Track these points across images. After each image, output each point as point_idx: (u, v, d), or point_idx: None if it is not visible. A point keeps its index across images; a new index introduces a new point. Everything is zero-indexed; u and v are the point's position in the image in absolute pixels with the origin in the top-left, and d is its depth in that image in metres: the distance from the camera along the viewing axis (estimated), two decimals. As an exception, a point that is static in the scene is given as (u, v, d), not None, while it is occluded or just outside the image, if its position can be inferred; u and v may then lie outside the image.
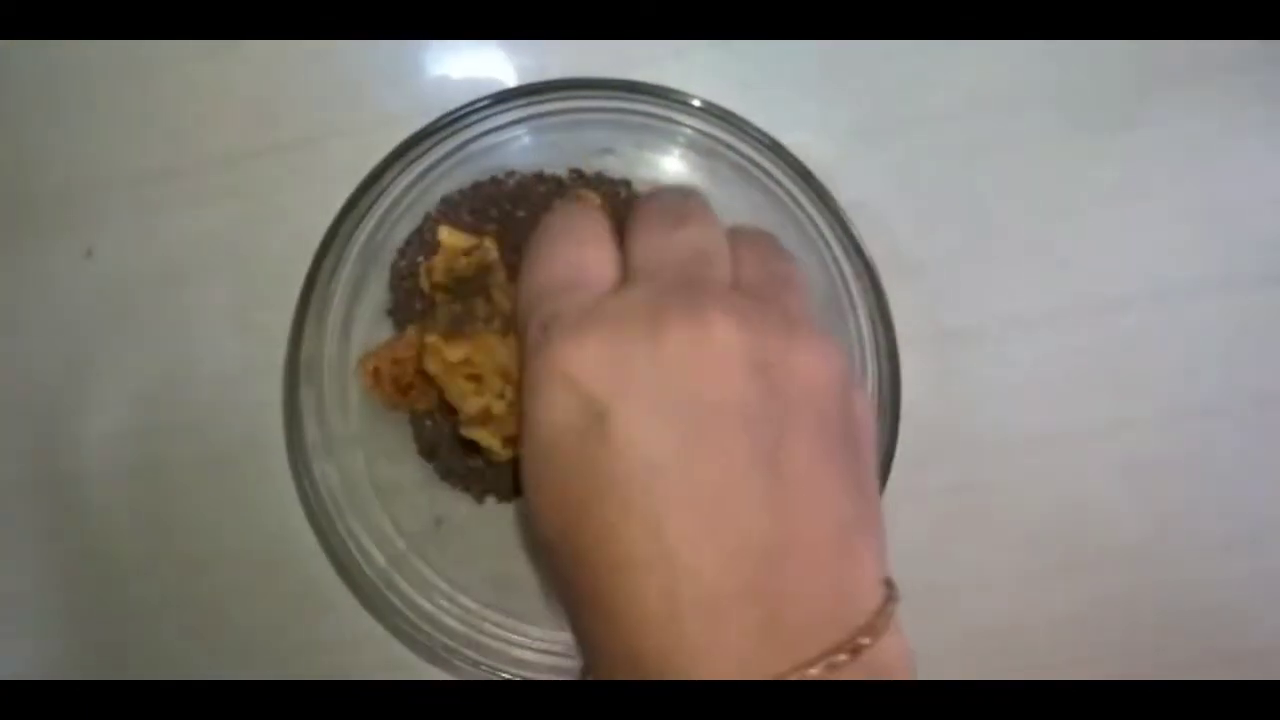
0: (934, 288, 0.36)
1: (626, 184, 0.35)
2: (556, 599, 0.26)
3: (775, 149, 0.33)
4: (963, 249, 0.36)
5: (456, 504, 0.35)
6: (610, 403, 0.23)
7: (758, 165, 0.33)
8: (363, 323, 0.34)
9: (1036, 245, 0.36)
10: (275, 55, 0.36)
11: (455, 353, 0.30)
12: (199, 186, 0.36)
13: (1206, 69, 0.35)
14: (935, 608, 0.35)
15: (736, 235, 0.29)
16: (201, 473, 0.36)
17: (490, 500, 0.35)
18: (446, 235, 0.32)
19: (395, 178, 0.33)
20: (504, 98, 0.32)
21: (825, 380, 0.24)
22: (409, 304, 0.34)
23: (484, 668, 0.32)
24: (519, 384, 0.27)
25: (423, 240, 0.34)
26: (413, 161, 0.33)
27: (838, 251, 0.33)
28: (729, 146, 0.33)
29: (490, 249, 0.32)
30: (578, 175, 0.34)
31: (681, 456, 0.22)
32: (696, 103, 0.33)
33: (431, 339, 0.30)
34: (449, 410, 0.34)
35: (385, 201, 0.33)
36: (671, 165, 0.35)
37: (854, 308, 0.33)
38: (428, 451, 0.35)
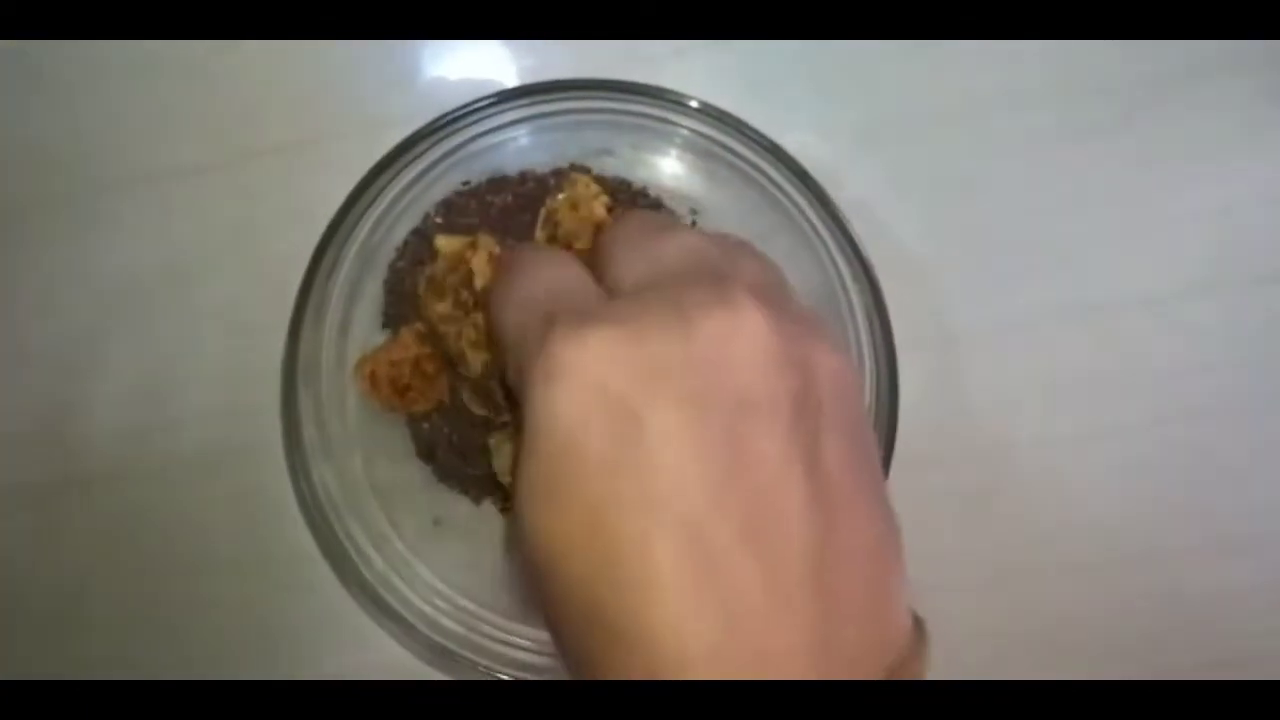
0: (932, 289, 0.36)
1: (626, 185, 0.35)
2: (541, 618, 0.24)
3: (773, 150, 0.32)
4: (961, 250, 0.36)
5: (455, 505, 0.35)
6: (640, 396, 0.21)
7: (755, 166, 0.33)
8: (361, 324, 0.34)
9: (1035, 246, 0.36)
10: (273, 56, 0.36)
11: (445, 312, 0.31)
12: (197, 187, 0.36)
13: (1206, 69, 0.35)
14: (935, 608, 0.35)
15: (722, 240, 0.27)
16: (199, 474, 0.36)
17: (488, 502, 0.35)
18: (444, 243, 0.32)
19: (393, 179, 0.33)
20: (502, 99, 0.32)
21: (851, 381, 0.23)
22: (405, 306, 0.34)
23: (482, 668, 0.32)
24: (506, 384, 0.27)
25: (421, 241, 0.34)
26: (410, 163, 0.33)
27: (835, 253, 0.33)
28: (726, 148, 0.33)
29: (488, 243, 0.32)
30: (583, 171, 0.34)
31: (722, 458, 0.21)
32: (694, 104, 0.33)
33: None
34: (448, 411, 0.34)
35: (383, 203, 0.33)
36: (669, 166, 0.35)
37: (852, 309, 0.33)
38: (426, 453, 0.35)
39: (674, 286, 0.23)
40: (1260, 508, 0.36)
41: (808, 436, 0.21)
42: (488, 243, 0.32)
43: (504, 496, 0.34)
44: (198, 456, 0.36)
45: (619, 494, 0.21)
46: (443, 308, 0.31)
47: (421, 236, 0.34)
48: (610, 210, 0.33)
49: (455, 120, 0.32)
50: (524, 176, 0.35)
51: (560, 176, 0.34)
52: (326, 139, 0.36)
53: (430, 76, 0.36)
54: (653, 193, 0.35)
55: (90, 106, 0.36)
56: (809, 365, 0.22)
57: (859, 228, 0.32)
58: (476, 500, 0.35)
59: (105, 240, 0.36)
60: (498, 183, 0.34)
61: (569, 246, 0.32)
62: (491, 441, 0.32)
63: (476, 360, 0.31)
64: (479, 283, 0.31)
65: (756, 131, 0.32)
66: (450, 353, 0.32)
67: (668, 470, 0.21)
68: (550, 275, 0.25)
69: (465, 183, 0.35)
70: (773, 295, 0.24)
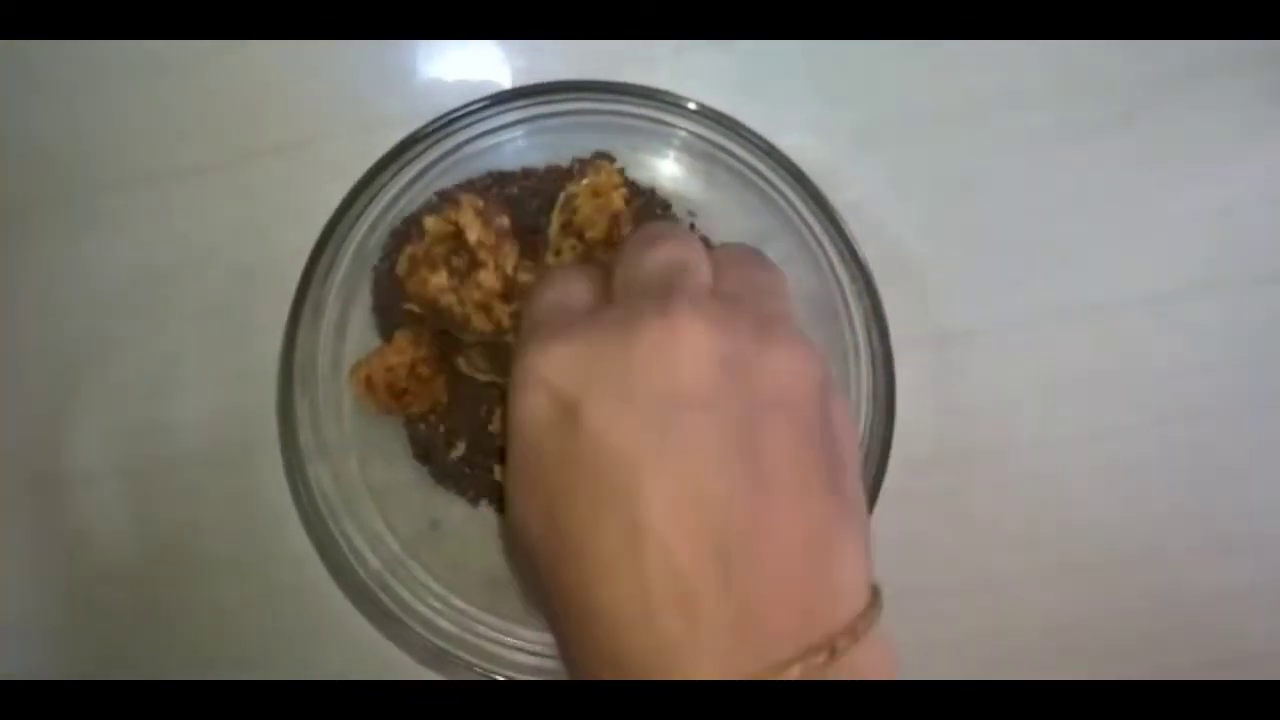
0: (930, 290, 0.35)
1: (633, 185, 0.35)
2: (538, 610, 0.26)
3: (770, 152, 0.32)
4: (959, 251, 0.36)
5: (451, 507, 0.35)
6: (579, 396, 0.23)
7: (752, 168, 0.33)
8: (357, 325, 0.34)
9: (1035, 246, 0.36)
10: (271, 57, 0.36)
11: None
12: (197, 187, 0.36)
13: (1206, 69, 0.35)
14: (935, 608, 0.35)
15: (719, 250, 0.29)
16: (196, 475, 0.36)
17: (484, 503, 0.35)
18: (432, 222, 0.32)
19: (390, 180, 0.33)
20: (499, 100, 0.32)
21: (799, 381, 0.24)
22: (393, 306, 0.34)
23: (477, 669, 0.32)
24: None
25: (396, 241, 0.34)
26: (408, 164, 0.33)
27: (832, 254, 0.33)
28: (724, 149, 0.33)
29: (470, 200, 0.32)
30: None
31: (651, 447, 0.23)
32: (691, 105, 0.33)
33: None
34: (445, 412, 0.34)
35: (380, 204, 0.33)
36: (666, 168, 0.35)
37: (849, 310, 0.33)
38: (422, 455, 0.35)
39: (634, 300, 0.26)
40: (1260, 508, 0.36)
41: (742, 431, 0.23)
42: (471, 200, 0.32)
43: (500, 497, 0.34)
44: (196, 456, 0.36)
45: (567, 484, 0.23)
46: (438, 279, 0.31)
47: (398, 238, 0.34)
48: (628, 203, 0.33)
49: (452, 122, 0.32)
50: (526, 173, 0.35)
51: (584, 164, 0.34)
52: (326, 139, 0.36)
53: (429, 77, 0.36)
54: (660, 192, 0.35)
55: (90, 106, 0.36)
56: (753, 365, 0.24)
57: (858, 228, 0.32)
58: (473, 502, 0.35)
59: (105, 240, 0.36)
60: (500, 177, 0.34)
61: (581, 235, 0.32)
62: (497, 412, 0.34)
63: (483, 321, 0.31)
64: (471, 237, 0.31)
65: (754, 134, 0.32)
66: (454, 322, 0.32)
67: (601, 457, 0.23)
68: (559, 289, 0.28)
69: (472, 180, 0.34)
70: (744, 299, 0.26)
